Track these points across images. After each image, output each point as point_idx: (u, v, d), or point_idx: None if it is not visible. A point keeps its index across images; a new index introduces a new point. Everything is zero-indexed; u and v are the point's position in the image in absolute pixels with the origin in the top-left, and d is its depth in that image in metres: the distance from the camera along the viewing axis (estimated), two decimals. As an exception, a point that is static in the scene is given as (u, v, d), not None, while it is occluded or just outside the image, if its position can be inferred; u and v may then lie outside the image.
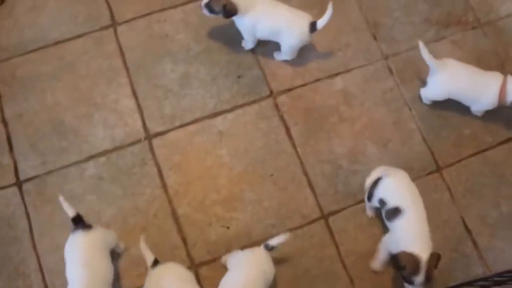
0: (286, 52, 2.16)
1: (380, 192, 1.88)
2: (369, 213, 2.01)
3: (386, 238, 1.91)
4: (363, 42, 2.30)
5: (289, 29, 2.06)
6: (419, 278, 1.74)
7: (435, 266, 1.78)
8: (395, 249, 1.80)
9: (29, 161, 2.01)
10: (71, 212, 1.70)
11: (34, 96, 2.10)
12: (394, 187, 1.87)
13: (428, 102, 2.22)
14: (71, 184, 1.98)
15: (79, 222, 1.70)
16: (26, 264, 1.88)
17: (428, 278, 1.74)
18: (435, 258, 1.77)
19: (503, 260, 2.03)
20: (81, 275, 1.62)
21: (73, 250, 1.68)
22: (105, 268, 1.69)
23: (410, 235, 1.79)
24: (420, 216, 1.83)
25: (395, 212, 1.83)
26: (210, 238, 1.93)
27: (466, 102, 2.18)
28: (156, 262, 1.73)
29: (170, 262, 1.75)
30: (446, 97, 2.16)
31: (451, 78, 2.11)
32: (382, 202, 1.88)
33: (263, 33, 2.11)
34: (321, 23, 2.06)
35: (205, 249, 1.92)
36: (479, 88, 2.11)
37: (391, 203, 1.84)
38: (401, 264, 1.74)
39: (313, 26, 2.06)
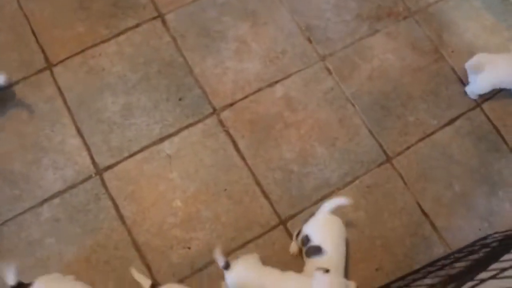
0: None
1: (308, 228, 2.03)
2: (293, 250, 2.14)
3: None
4: (298, 47, 2.54)
5: None
6: None
7: None
8: None
9: (-17, 215, 2.15)
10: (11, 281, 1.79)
11: (-21, 149, 2.26)
12: (322, 227, 2.03)
13: (475, 97, 2.51)
14: (28, 230, 2.13)
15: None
16: (-10, 318, 2.03)
17: None
18: None
19: (461, 236, 2.28)
20: None
21: None
22: None
23: None
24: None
25: (317, 250, 1.97)
26: (173, 261, 2.12)
27: (510, 86, 2.49)
28: (153, 286, 1.92)
29: (167, 284, 1.95)
30: (492, 89, 2.46)
31: (494, 71, 2.40)
32: (306, 239, 2.01)
33: None
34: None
35: (170, 272, 2.10)
36: None
37: (315, 241, 1.98)
38: None
39: None
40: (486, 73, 2.40)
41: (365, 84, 2.50)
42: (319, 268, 1.78)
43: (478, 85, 2.45)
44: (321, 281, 1.75)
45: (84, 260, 2.11)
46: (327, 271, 1.76)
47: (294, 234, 2.13)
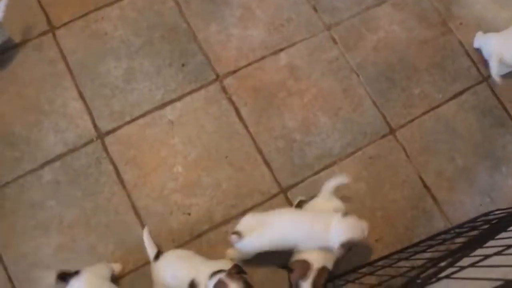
0: None
1: None
2: None
3: None
4: (304, 15, 2.52)
5: None
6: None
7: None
8: None
9: (-17, 176, 2.17)
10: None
11: (-20, 111, 2.27)
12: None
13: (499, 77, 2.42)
14: (29, 193, 2.15)
15: (65, 277, 1.84)
16: (-5, 277, 2.05)
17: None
18: None
19: (462, 211, 2.28)
20: None
21: None
22: None
23: None
24: None
25: None
26: (173, 226, 2.14)
27: None
28: (158, 255, 1.96)
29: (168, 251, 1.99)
30: None
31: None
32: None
33: None
34: None
35: (169, 238, 2.12)
36: None
37: None
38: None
39: None
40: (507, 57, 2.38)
41: (370, 54, 2.48)
42: (338, 210, 1.91)
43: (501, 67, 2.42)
44: (340, 222, 1.88)
45: (84, 223, 2.13)
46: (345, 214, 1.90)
47: (294, 205, 2.14)
